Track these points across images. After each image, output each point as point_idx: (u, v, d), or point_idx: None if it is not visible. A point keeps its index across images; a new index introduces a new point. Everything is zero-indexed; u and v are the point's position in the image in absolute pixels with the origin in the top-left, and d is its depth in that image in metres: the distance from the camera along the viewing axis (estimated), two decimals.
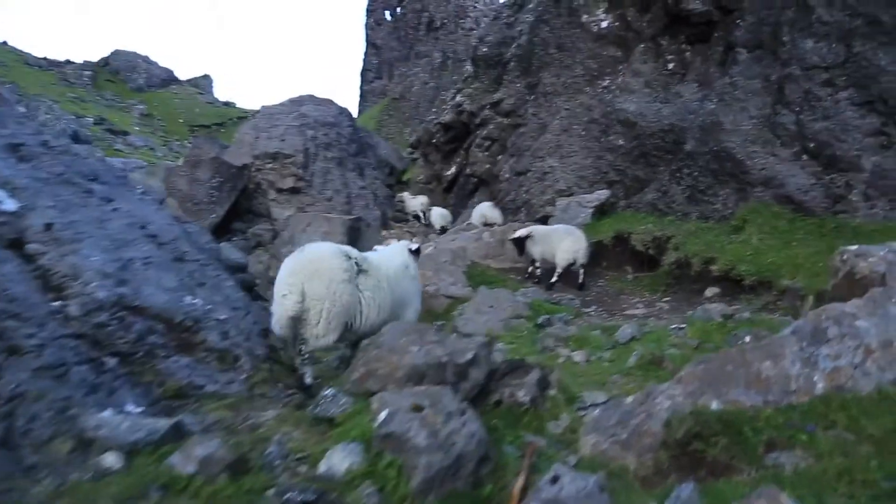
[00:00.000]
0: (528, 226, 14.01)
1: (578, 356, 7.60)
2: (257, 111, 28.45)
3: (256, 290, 10.21)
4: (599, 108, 16.83)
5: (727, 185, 12.83)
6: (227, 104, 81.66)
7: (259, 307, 7.28)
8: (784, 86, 12.32)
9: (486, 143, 21.73)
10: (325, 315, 5.39)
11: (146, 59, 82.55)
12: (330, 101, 27.07)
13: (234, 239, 23.63)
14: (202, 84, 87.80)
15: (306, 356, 5.51)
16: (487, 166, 21.63)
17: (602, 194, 15.21)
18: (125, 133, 59.07)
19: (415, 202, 26.55)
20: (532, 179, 18.17)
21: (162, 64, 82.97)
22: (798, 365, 4.29)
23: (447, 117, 24.80)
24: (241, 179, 23.71)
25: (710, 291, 11.10)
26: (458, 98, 24.12)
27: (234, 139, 25.55)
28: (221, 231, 23.70)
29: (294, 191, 24.23)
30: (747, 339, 7.26)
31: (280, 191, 24.27)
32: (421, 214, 25.94)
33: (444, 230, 23.48)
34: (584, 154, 16.91)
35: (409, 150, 32.29)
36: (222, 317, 5.97)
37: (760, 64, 13.02)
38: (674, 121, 14.36)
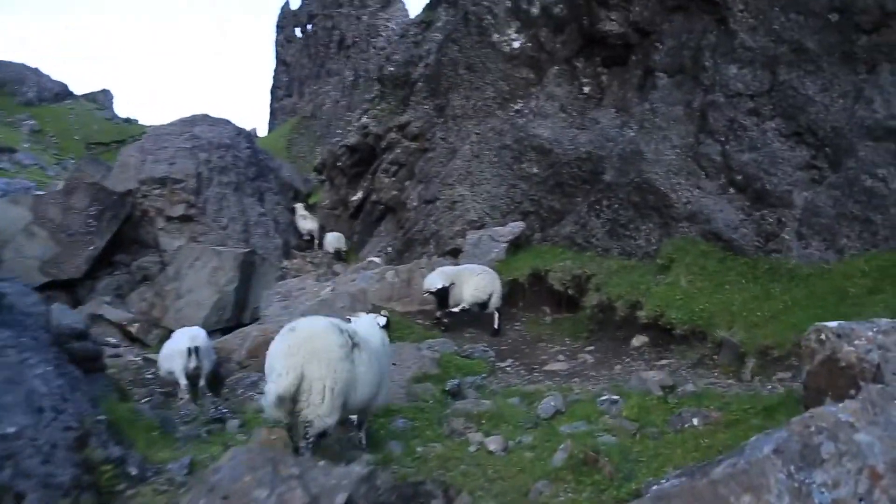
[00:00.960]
0: (437, 267, 12.56)
1: (494, 443, 6.11)
2: None
3: (100, 363, 8.35)
4: (512, 133, 15.61)
5: (650, 219, 11.75)
6: (128, 121, 76.94)
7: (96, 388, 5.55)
8: (707, 113, 11.36)
9: (393, 169, 20.21)
10: (328, 394, 5.10)
11: (36, 72, 77.21)
12: (226, 122, 24.96)
13: (117, 273, 21.19)
14: (101, 99, 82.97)
15: (311, 439, 5.13)
16: (394, 193, 20.09)
17: (516, 227, 13.92)
18: (12, 150, 54.65)
19: (306, 223, 25.40)
20: (441, 209, 16.76)
21: (55, 77, 77.94)
22: (787, 500, 3.07)
23: (352, 139, 23.15)
24: (123, 207, 21.28)
25: (638, 341, 9.90)
26: (364, 119, 22.53)
27: (117, 162, 23.05)
28: (102, 265, 21.18)
29: (185, 219, 21.97)
30: (695, 421, 6.00)
31: (169, 219, 21.95)
32: (313, 237, 25.12)
33: (338, 254, 22.95)
34: (497, 182, 15.63)
35: (315, 173, 30.41)
36: (9, 430, 4.28)
37: (681, 90, 12.06)
38: (591, 148, 13.25)
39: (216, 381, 11.63)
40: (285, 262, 22.47)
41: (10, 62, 75.58)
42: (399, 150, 19.94)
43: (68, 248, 19.96)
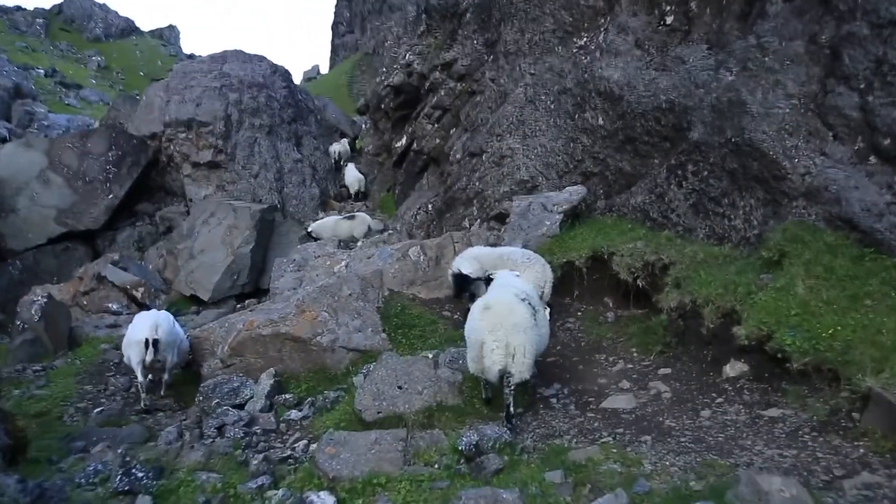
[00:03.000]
0: (473, 244, 9.87)
1: None
2: None
3: None
4: (574, 75, 12.53)
5: (752, 193, 8.70)
6: (192, 57, 75.43)
7: None
8: (841, 51, 8.10)
9: (436, 114, 17.34)
10: (527, 356, 6.17)
11: (103, 7, 76.58)
12: (260, 58, 22.38)
13: (139, 224, 19.26)
14: (167, 35, 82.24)
15: (512, 387, 6.21)
16: (437, 141, 17.28)
17: (575, 193, 11.01)
18: (79, 86, 54.06)
19: (335, 146, 24.20)
20: (487, 164, 13.92)
21: (122, 13, 77.22)
22: None
23: (396, 79, 20.28)
24: (144, 152, 19.16)
25: (734, 369, 7.06)
26: (409, 56, 19.57)
27: (141, 102, 20.84)
28: (123, 215, 19.26)
29: (212, 165, 19.75)
30: None
31: (196, 165, 19.77)
32: (337, 160, 23.95)
33: (357, 196, 22.37)
34: (553, 134, 12.66)
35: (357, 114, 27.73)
36: None
37: (803, 17, 8.77)
38: (674, 96, 10.11)
39: (194, 377, 9.44)
40: (321, 214, 20.10)
41: None
42: (443, 93, 17.02)
43: (86, 196, 18.06)
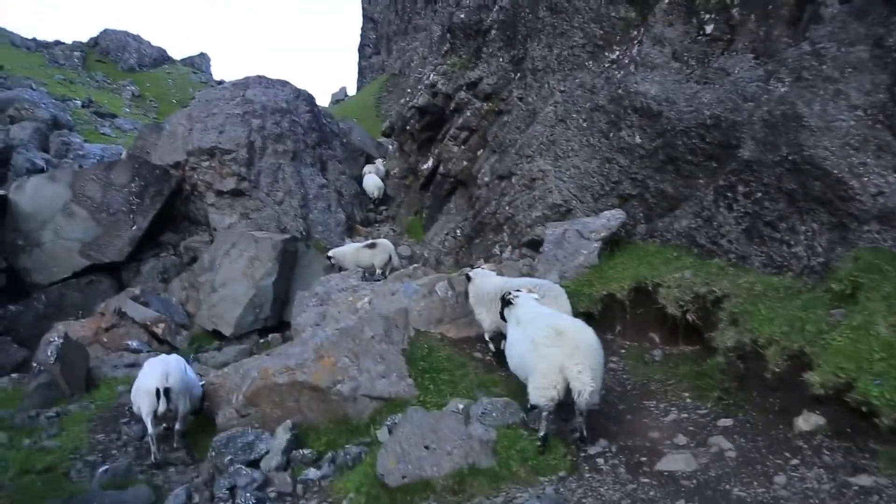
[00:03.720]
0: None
1: None
2: None
3: None
4: (607, 91, 11.71)
5: (815, 216, 7.76)
6: (222, 83, 76.10)
7: None
8: None
9: (463, 135, 16.62)
10: (598, 377, 6.12)
11: (137, 38, 78.17)
12: (283, 83, 21.91)
13: (163, 255, 18.79)
14: (198, 63, 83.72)
15: (584, 407, 6.09)
16: (465, 164, 16.54)
17: (614, 218, 10.14)
18: (113, 116, 54.77)
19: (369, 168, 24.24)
20: (517, 187, 13.12)
21: (154, 43, 78.88)
22: None
23: (421, 100, 19.62)
24: (167, 182, 18.70)
25: (807, 422, 6.11)
26: (433, 76, 18.91)
27: (164, 131, 20.47)
28: (148, 246, 18.81)
29: (236, 193, 19.23)
30: None
31: (220, 193, 19.26)
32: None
33: (377, 203, 23.04)
34: (587, 155, 11.82)
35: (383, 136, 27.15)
36: None
37: (865, 20, 7.86)
38: (720, 111, 9.22)
39: (210, 423, 8.74)
40: (346, 241, 19.44)
41: (113, 30, 77.14)
42: (469, 113, 16.30)
43: (110, 228, 17.63)
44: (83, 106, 52.90)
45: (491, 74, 15.67)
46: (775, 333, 6.84)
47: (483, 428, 6.43)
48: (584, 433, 6.34)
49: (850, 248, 7.22)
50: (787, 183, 8.05)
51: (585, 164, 11.75)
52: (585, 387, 5.81)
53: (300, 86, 22.82)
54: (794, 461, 5.68)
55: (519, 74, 14.70)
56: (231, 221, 19.12)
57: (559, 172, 12.21)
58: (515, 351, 6.69)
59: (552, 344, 6.09)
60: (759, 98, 8.68)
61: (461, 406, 7.05)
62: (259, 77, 21.75)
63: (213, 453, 7.66)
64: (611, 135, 11.34)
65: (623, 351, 8.74)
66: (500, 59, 15.52)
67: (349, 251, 14.91)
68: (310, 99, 22.79)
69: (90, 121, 49.02)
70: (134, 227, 17.81)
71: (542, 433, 6.27)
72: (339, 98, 72.73)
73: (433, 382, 7.96)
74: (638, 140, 10.67)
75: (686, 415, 7.05)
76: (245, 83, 21.39)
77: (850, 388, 5.76)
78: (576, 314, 8.51)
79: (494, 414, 6.77)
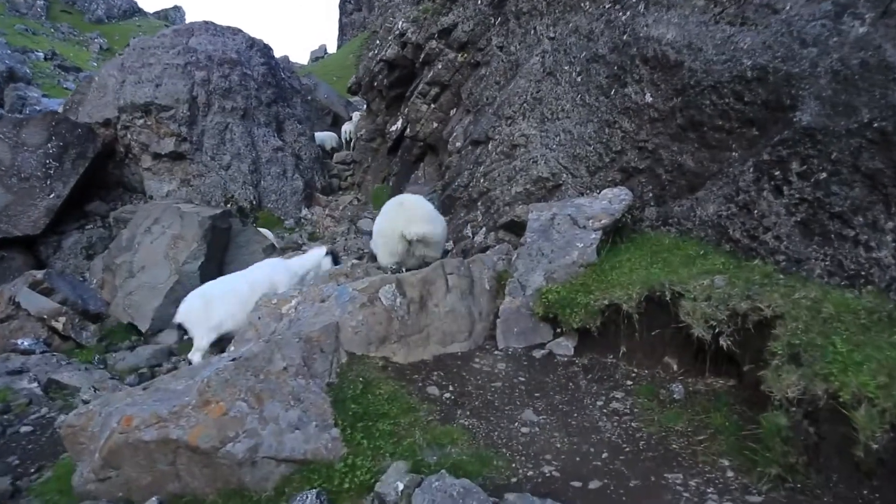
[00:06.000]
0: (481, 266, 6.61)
1: None
2: None
3: None
4: (608, 37, 9.15)
5: None
6: None
7: None
8: None
9: (433, 91, 13.98)
10: None
11: None
12: (235, 30, 18.97)
13: (89, 228, 16.10)
14: (172, 16, 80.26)
15: None
16: (435, 125, 13.93)
17: (616, 200, 7.67)
18: (79, 70, 51.50)
19: (347, 125, 23.32)
20: (495, 155, 10.59)
21: None
22: None
23: (390, 52, 16.88)
24: (92, 143, 15.85)
25: None
26: (402, 24, 16.15)
27: (93, 84, 17.56)
28: (71, 216, 16.08)
29: (176, 156, 16.44)
30: None
31: (157, 157, 16.47)
32: (349, 141, 23.10)
33: (331, 155, 21.93)
34: (582, 117, 9.30)
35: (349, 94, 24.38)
36: None
37: None
38: (766, 59, 6.71)
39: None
40: (304, 212, 16.87)
41: None
42: (441, 66, 13.63)
43: (22, 196, 14.83)
44: (46, 59, 49.73)
45: (467, 20, 13.00)
46: (867, 386, 4.51)
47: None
48: None
49: None
50: (867, 160, 5.62)
51: (579, 128, 9.23)
52: None
53: (281, 43, 20.35)
54: None
55: (500, 19, 12.06)
56: (170, 189, 16.44)
57: (546, 138, 9.69)
58: None
59: None
60: (827, 42, 6.18)
61: (400, 487, 4.67)
62: (206, 23, 18.76)
63: None
64: (612, 92, 8.82)
65: (629, 383, 6.37)
66: (478, 1, 12.84)
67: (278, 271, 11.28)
68: (265, 49, 19.88)
69: (53, 74, 45.67)
70: (52, 195, 15.05)
71: None
72: (319, 56, 70.11)
73: (368, 436, 5.54)
74: (648, 99, 8.16)
75: (729, 499, 4.72)
76: (189, 29, 18.42)
77: None
78: (568, 331, 6.15)
79: (455, 485, 4.41)
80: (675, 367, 6.43)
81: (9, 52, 42.60)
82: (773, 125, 6.57)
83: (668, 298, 6.32)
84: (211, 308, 8.78)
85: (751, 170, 6.69)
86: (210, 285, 9.39)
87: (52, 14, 64.04)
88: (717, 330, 5.92)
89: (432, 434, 5.53)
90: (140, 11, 74.52)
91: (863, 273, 5.58)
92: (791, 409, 4.91)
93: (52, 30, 60.75)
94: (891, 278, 5.39)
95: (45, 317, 10.94)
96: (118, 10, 71.29)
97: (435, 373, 6.44)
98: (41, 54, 48.92)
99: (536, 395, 6.25)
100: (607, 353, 6.69)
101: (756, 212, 6.53)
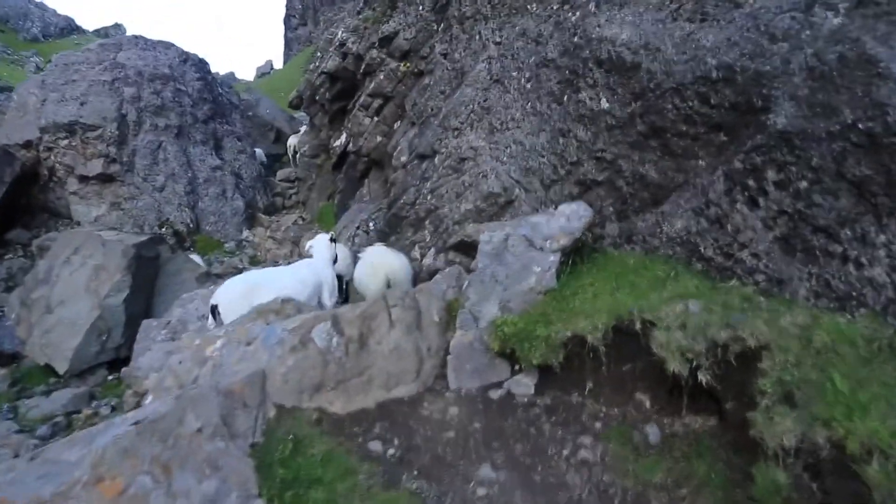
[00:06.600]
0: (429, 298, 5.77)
1: None
2: None
3: None
4: (558, 39, 8.45)
5: None
6: None
7: None
8: None
9: (375, 103, 13.13)
10: None
11: (40, 6, 70.86)
12: (167, 44, 17.81)
13: (9, 257, 14.76)
14: (112, 34, 77.26)
15: None
16: (379, 139, 13.07)
17: (576, 216, 6.90)
18: (10, 89, 49.06)
19: (292, 139, 21.97)
20: (442, 169, 9.79)
21: (60, 11, 71.88)
22: None
23: (331, 63, 15.97)
24: (10, 166, 14.55)
25: None
26: (342, 34, 15.27)
27: (12, 103, 16.22)
28: None
29: (105, 179, 15.20)
30: None
31: (83, 179, 15.20)
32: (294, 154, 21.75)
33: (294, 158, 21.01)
34: (533, 126, 8.56)
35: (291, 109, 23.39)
36: None
37: None
38: (732, 57, 6.04)
39: None
40: (245, 233, 15.77)
41: None
42: (382, 76, 12.79)
43: None
44: None
45: (409, 27, 12.20)
46: (878, 434, 3.80)
47: None
48: None
49: None
50: (852, 166, 4.96)
51: (531, 138, 8.49)
52: None
53: (225, 60, 19.21)
54: None
55: (443, 25, 11.30)
56: (99, 213, 15.19)
57: (496, 150, 8.93)
58: None
59: None
60: (799, 36, 5.53)
61: None
62: (136, 37, 17.55)
63: None
64: (565, 98, 8.10)
65: (598, 426, 5.57)
66: (420, 7, 12.06)
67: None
68: (201, 64, 18.75)
69: None
70: None
71: None
72: (265, 71, 68.86)
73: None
74: (605, 104, 7.45)
75: None
76: (117, 44, 17.21)
77: None
78: (528, 367, 5.37)
79: None
80: (648, 405, 5.66)
81: None
82: (745, 129, 5.89)
83: (637, 328, 5.56)
84: (253, 296, 7.43)
85: (721, 179, 6.01)
86: (254, 273, 8.53)
87: None
88: (694, 363, 5.17)
89: (373, 500, 4.64)
90: (79, 29, 71.89)
91: (854, 294, 4.90)
92: (788, 461, 4.18)
93: None
94: (887, 299, 4.72)
95: None
96: (55, 27, 68.61)
97: (378, 424, 5.55)
98: None
99: (494, 445, 5.41)
100: (572, 391, 5.90)
101: (730, 226, 5.83)
